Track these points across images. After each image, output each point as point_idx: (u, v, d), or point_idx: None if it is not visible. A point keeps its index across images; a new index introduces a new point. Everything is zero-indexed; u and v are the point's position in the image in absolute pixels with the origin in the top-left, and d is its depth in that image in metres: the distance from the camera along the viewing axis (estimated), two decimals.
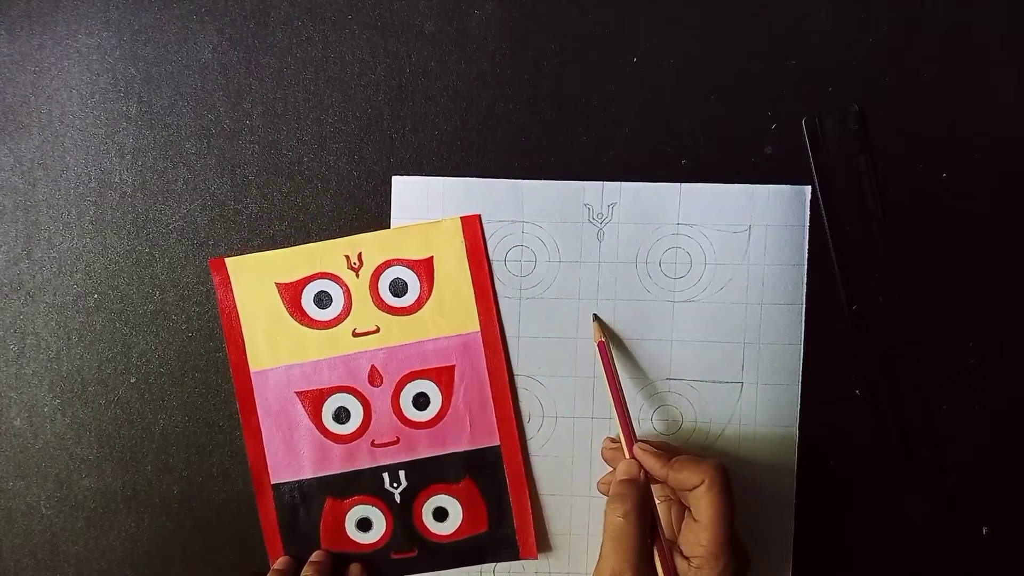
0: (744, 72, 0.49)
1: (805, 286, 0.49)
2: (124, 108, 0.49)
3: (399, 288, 0.49)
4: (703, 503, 0.41)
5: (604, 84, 0.49)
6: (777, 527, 0.49)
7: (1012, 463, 0.49)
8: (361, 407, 0.50)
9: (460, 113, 0.49)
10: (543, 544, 0.50)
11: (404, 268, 0.49)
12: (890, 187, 0.49)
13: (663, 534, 0.42)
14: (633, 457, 0.44)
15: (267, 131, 0.49)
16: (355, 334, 0.49)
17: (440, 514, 0.50)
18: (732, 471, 0.47)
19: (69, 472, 0.50)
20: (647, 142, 0.49)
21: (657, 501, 0.43)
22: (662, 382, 0.49)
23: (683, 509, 0.44)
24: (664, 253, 0.49)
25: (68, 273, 0.50)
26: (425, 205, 0.49)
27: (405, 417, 0.50)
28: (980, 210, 0.49)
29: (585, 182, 0.49)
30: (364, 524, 0.50)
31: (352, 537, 0.50)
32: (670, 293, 0.49)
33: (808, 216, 0.49)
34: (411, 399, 0.50)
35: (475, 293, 0.49)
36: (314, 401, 0.49)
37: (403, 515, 0.50)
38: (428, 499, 0.50)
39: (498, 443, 0.50)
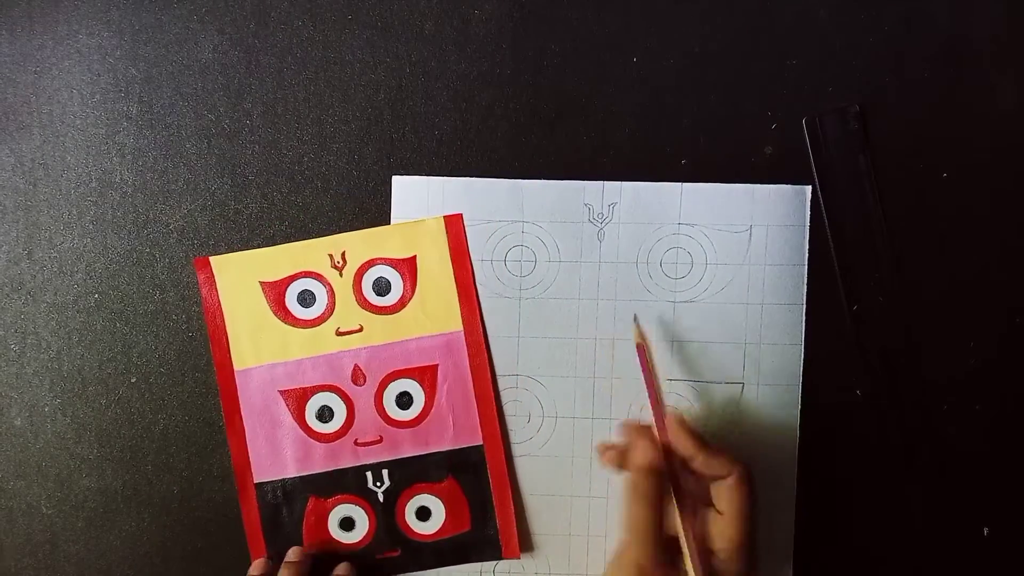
0: (744, 72, 0.49)
1: (806, 286, 0.49)
2: (125, 108, 0.49)
3: (382, 287, 0.49)
4: (734, 496, 0.41)
5: (604, 84, 0.49)
6: (778, 527, 0.49)
7: (1013, 463, 0.49)
8: (344, 406, 0.50)
9: (460, 113, 0.49)
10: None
11: (387, 267, 0.49)
12: (890, 187, 0.49)
13: (692, 526, 0.42)
14: (666, 441, 0.43)
15: (267, 131, 0.49)
16: (338, 333, 0.49)
17: (423, 513, 0.50)
18: None
19: (70, 472, 0.50)
20: (647, 142, 0.49)
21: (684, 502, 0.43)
22: (663, 382, 0.49)
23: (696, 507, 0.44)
24: (665, 253, 0.49)
25: (69, 273, 0.50)
26: (425, 205, 0.49)
27: (388, 416, 0.50)
28: (980, 210, 0.49)
29: (585, 182, 0.49)
30: (347, 523, 0.50)
31: (335, 536, 0.50)
32: (671, 293, 0.49)
33: (808, 216, 0.49)
34: (394, 398, 0.50)
35: (458, 292, 0.49)
36: (297, 400, 0.50)
37: (386, 514, 0.50)
38: (411, 498, 0.50)
39: (481, 442, 0.50)
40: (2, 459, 0.50)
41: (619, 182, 0.49)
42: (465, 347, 0.49)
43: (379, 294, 0.49)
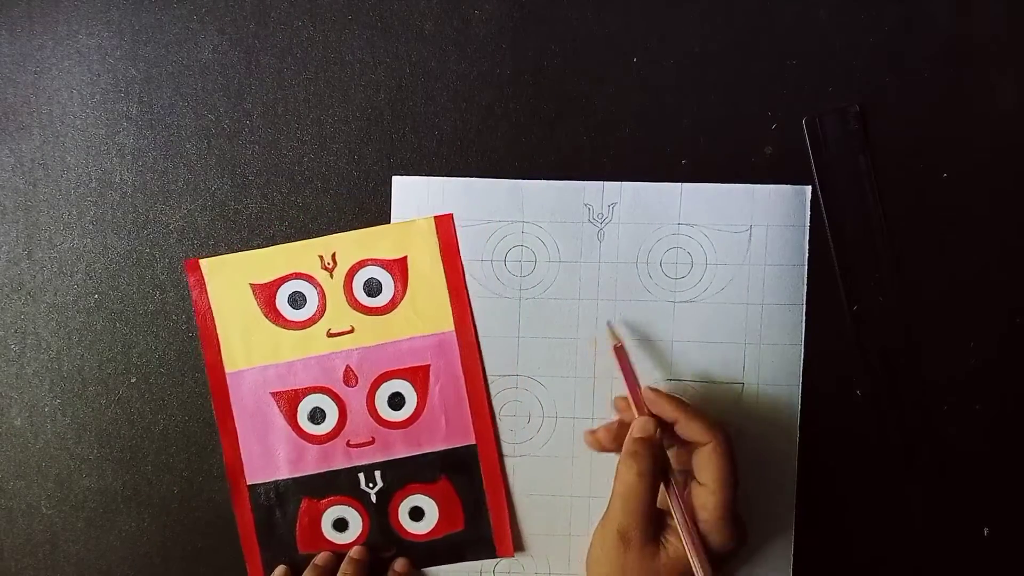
0: (744, 72, 0.49)
1: (806, 286, 0.49)
2: (125, 108, 0.49)
3: (373, 288, 0.49)
4: (711, 466, 0.41)
5: (604, 84, 0.49)
6: (778, 527, 0.49)
7: (1013, 463, 0.49)
8: (336, 407, 0.50)
9: (460, 113, 0.49)
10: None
11: (378, 268, 0.49)
12: (890, 187, 0.48)
13: (681, 498, 0.42)
14: (647, 414, 0.44)
15: (267, 131, 0.49)
16: (330, 334, 0.49)
17: (416, 513, 0.50)
18: None
19: (69, 472, 0.50)
20: (647, 142, 0.49)
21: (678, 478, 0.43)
22: (663, 383, 0.49)
23: (686, 481, 0.44)
24: (664, 253, 0.49)
25: (69, 273, 0.50)
26: (425, 205, 0.49)
27: (380, 417, 0.50)
28: (980, 210, 0.49)
29: (585, 182, 0.49)
30: (340, 524, 0.50)
31: (328, 537, 0.50)
32: (671, 293, 0.49)
33: (808, 216, 0.49)
34: (386, 399, 0.50)
35: (449, 292, 0.49)
36: (289, 401, 0.50)
37: (379, 515, 0.50)
38: (404, 499, 0.50)
39: (474, 442, 0.50)
40: (2, 459, 0.50)
41: (619, 182, 0.49)
42: (457, 347, 0.49)
43: (370, 295, 0.49)
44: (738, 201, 0.49)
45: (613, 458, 0.45)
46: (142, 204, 0.49)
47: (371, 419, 0.50)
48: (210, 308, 0.49)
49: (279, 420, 0.50)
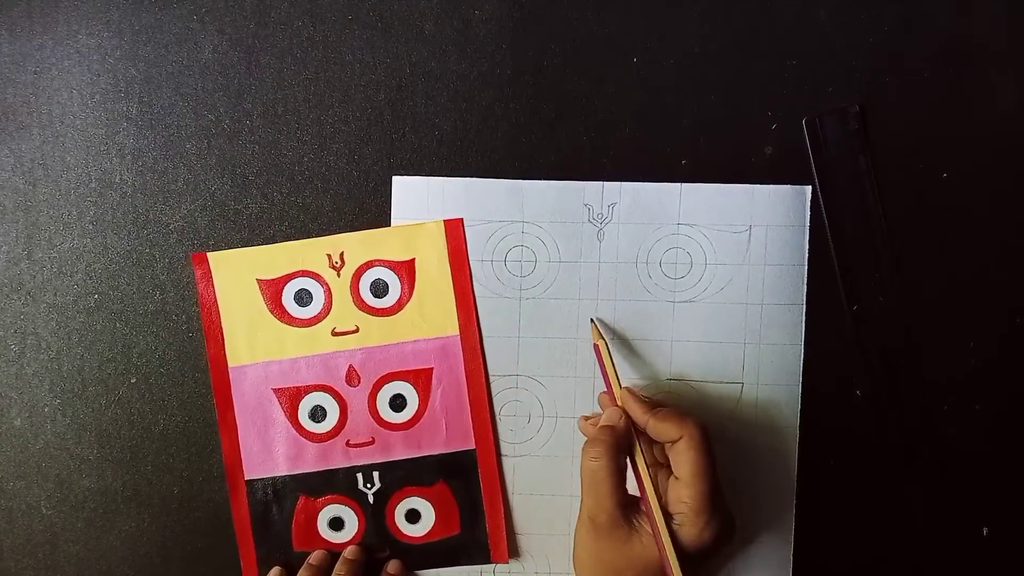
0: (744, 72, 0.49)
1: (805, 286, 0.49)
2: (124, 108, 0.49)
3: (380, 289, 0.49)
4: (683, 459, 0.41)
5: (604, 84, 0.49)
6: (778, 528, 0.49)
7: (1013, 463, 0.49)
8: (337, 406, 0.50)
9: (460, 113, 0.49)
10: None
11: (386, 269, 0.49)
12: (890, 187, 0.49)
13: (648, 483, 0.42)
14: (618, 405, 0.45)
15: (267, 131, 0.49)
16: (334, 333, 0.49)
17: (413, 516, 0.50)
18: (732, 472, 0.47)
19: (69, 472, 0.50)
20: (647, 142, 0.49)
21: (646, 465, 0.43)
22: (663, 382, 0.49)
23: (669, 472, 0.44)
24: (664, 253, 0.49)
25: (68, 273, 0.50)
26: (425, 205, 0.49)
27: (381, 418, 0.50)
28: (980, 210, 0.49)
29: (585, 182, 0.49)
30: (336, 523, 0.50)
31: (324, 536, 0.50)
32: (670, 293, 0.49)
33: (808, 216, 0.49)
34: (388, 400, 0.50)
35: (456, 296, 0.49)
36: (291, 398, 0.50)
37: (376, 516, 0.50)
38: (401, 500, 0.50)
39: (473, 447, 0.50)
40: (2, 459, 0.50)
41: (619, 182, 0.49)
42: (461, 351, 0.49)
43: (376, 295, 0.49)
44: (738, 201, 0.49)
45: None
46: (142, 204, 0.49)
47: (372, 420, 0.50)
48: (216, 302, 0.49)
49: (280, 417, 0.50)
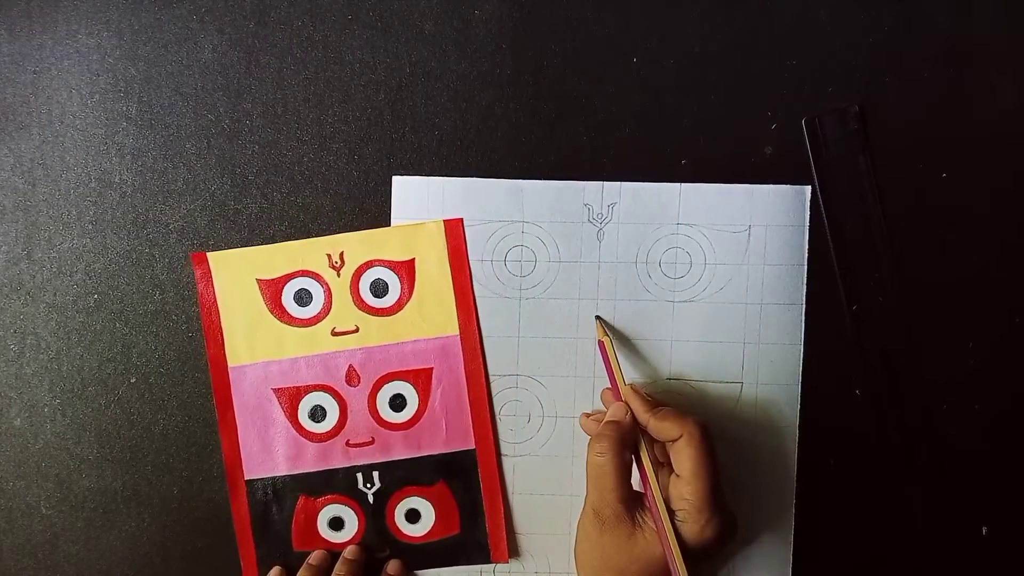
0: (744, 72, 0.48)
1: (805, 286, 0.49)
2: (124, 108, 0.49)
3: (380, 288, 0.49)
4: (683, 457, 0.41)
5: (604, 84, 0.48)
6: (778, 527, 0.49)
7: (1012, 463, 0.49)
8: (337, 406, 0.50)
9: (460, 113, 0.49)
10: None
11: (385, 269, 0.49)
12: (890, 187, 0.48)
13: (652, 479, 0.42)
14: (622, 400, 0.45)
15: (267, 131, 0.49)
16: (334, 333, 0.49)
17: (413, 516, 0.50)
18: (731, 471, 0.47)
19: (69, 472, 0.50)
20: (647, 142, 0.49)
21: (650, 462, 0.43)
22: (663, 382, 0.49)
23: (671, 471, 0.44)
24: (664, 253, 0.49)
25: (68, 273, 0.50)
26: (425, 205, 0.49)
27: (381, 418, 0.50)
28: (980, 210, 0.49)
29: (585, 182, 0.49)
30: (336, 523, 0.50)
31: (324, 536, 0.50)
32: (670, 293, 0.49)
33: (808, 216, 0.49)
34: (388, 400, 0.50)
35: (455, 296, 0.49)
36: (291, 398, 0.50)
37: (375, 516, 0.50)
38: (401, 500, 0.50)
39: (473, 447, 0.50)
40: (2, 459, 0.50)
41: (619, 182, 0.49)
42: (461, 351, 0.49)
43: (376, 295, 0.49)
44: (737, 201, 0.49)
45: None
46: (141, 204, 0.49)
47: (371, 420, 0.50)
48: (215, 302, 0.49)
49: (279, 416, 0.50)
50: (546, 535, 0.50)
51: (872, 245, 0.49)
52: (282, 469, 0.50)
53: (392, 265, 0.49)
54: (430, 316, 0.49)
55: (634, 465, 0.44)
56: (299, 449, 0.50)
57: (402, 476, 0.50)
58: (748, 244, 0.49)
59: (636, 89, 0.49)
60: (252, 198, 0.49)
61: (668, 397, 0.49)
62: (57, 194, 0.49)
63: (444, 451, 0.50)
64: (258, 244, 0.49)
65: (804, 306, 0.49)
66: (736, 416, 0.49)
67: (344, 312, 0.49)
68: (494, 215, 0.49)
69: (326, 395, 0.50)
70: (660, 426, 0.43)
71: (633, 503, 0.43)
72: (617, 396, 0.46)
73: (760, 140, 0.49)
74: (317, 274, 0.49)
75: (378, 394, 0.50)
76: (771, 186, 0.49)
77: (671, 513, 0.42)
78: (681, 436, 0.42)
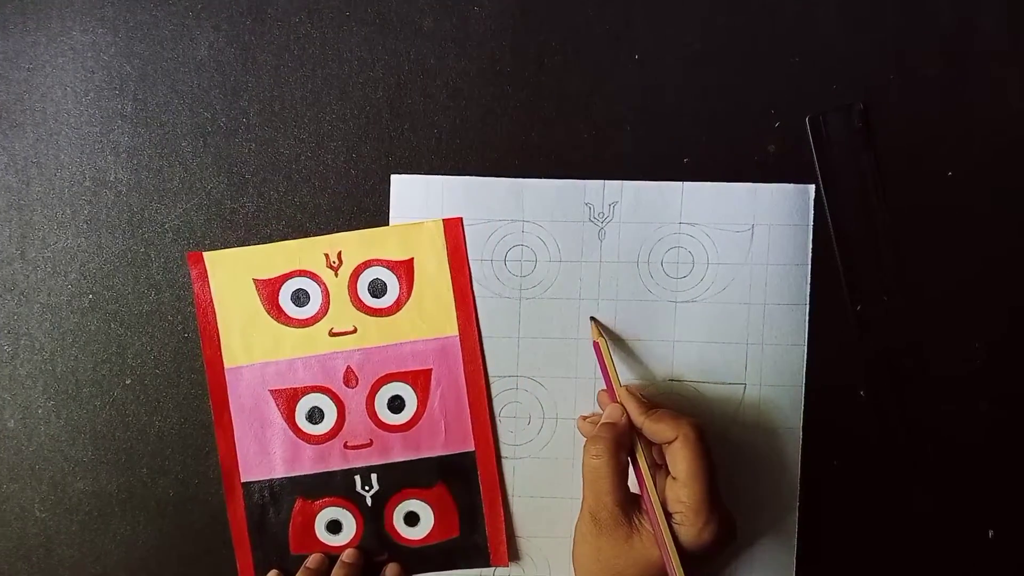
0: (747, 69, 0.48)
1: (809, 286, 0.48)
2: (119, 106, 0.49)
3: (378, 289, 0.49)
4: (679, 459, 0.41)
5: (605, 81, 0.48)
6: (781, 530, 0.49)
7: (1019, 465, 0.49)
8: (335, 408, 0.49)
9: (460, 111, 0.48)
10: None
11: (384, 269, 0.49)
12: (895, 186, 0.48)
13: (649, 481, 0.42)
14: (618, 402, 0.45)
15: (264, 129, 0.49)
16: (332, 334, 0.49)
17: (411, 519, 0.50)
18: (734, 473, 0.47)
19: (63, 474, 0.50)
20: (649, 140, 0.48)
21: (646, 464, 0.43)
22: (664, 383, 0.49)
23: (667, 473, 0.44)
24: (666, 253, 0.49)
25: (62, 273, 0.49)
26: (424, 204, 0.49)
27: (379, 420, 0.49)
28: (986, 209, 0.48)
29: (586, 181, 0.48)
30: (334, 526, 0.50)
31: (321, 539, 0.50)
32: (672, 293, 0.49)
33: (812, 215, 0.48)
34: (386, 401, 0.49)
35: (455, 296, 0.49)
36: (288, 400, 0.49)
37: (374, 519, 0.50)
38: (400, 503, 0.50)
39: (473, 449, 0.49)
40: None
41: (620, 181, 0.48)
42: (460, 352, 0.49)
43: (374, 296, 0.49)
44: (740, 200, 0.48)
45: None
46: (137, 203, 0.49)
47: (370, 421, 0.49)
48: (212, 302, 0.49)
49: (276, 418, 0.49)
50: (546, 538, 0.50)
51: (877, 244, 0.48)
52: (279, 471, 0.49)
53: (391, 265, 0.49)
54: (429, 316, 0.49)
55: (631, 468, 0.44)
56: (296, 451, 0.49)
57: (401, 478, 0.49)
58: (751, 243, 0.48)
59: (638, 86, 0.48)
60: (249, 197, 0.49)
61: (670, 399, 0.49)
62: (51, 193, 0.49)
63: (443, 453, 0.49)
64: (255, 243, 0.49)
65: (808, 306, 0.49)
66: (739, 418, 0.49)
67: (342, 312, 0.49)
68: (494, 214, 0.49)
69: (324, 396, 0.49)
70: (655, 428, 0.43)
71: (630, 506, 0.43)
72: (613, 398, 0.45)
73: (763, 138, 0.48)
74: (315, 274, 0.49)
75: (376, 395, 0.49)
76: (774, 185, 0.48)
77: (668, 516, 0.41)
78: (676, 438, 0.42)
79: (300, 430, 0.49)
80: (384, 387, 0.49)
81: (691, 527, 0.41)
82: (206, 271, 0.49)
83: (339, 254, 0.49)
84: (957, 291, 0.49)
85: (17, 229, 0.49)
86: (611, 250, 0.49)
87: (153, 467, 0.50)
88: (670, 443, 0.42)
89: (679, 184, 0.48)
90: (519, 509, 0.50)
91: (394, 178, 0.49)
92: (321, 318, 0.49)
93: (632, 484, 0.44)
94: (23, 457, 0.50)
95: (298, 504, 0.49)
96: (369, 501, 0.50)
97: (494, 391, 0.49)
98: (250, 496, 0.49)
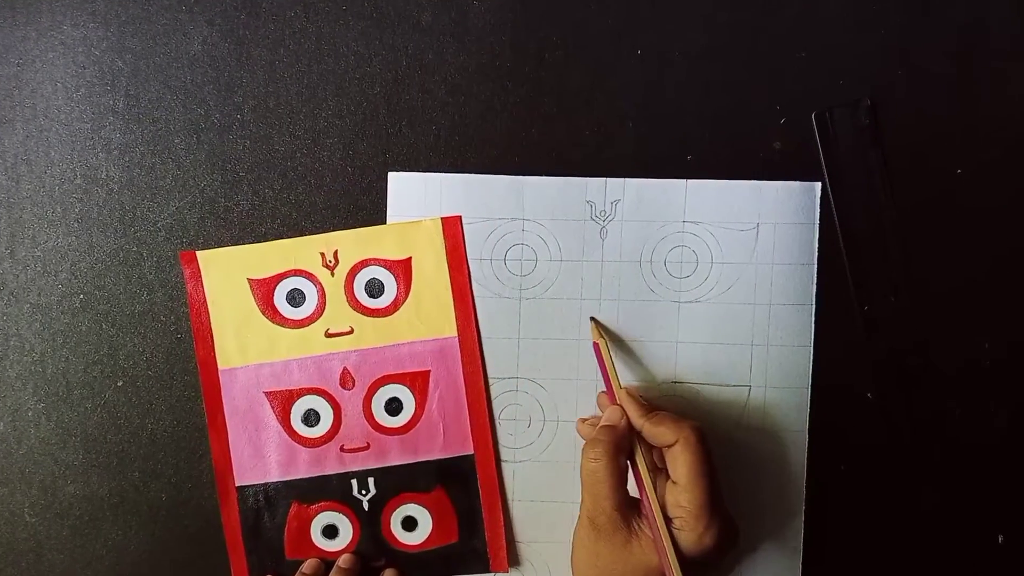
0: (752, 65, 0.48)
1: (815, 286, 0.48)
2: (111, 102, 0.48)
3: (375, 288, 0.48)
4: (680, 463, 0.41)
5: (607, 77, 0.48)
6: (786, 535, 0.49)
7: None
8: (331, 410, 0.49)
9: (458, 107, 0.48)
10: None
11: (381, 268, 0.48)
12: (903, 183, 0.48)
13: (649, 485, 0.42)
14: (617, 404, 0.44)
15: (259, 126, 0.48)
16: (328, 334, 0.49)
17: (409, 523, 0.49)
18: (738, 478, 0.47)
19: (54, 478, 0.49)
20: (652, 137, 0.48)
21: (646, 468, 0.43)
22: (667, 385, 0.48)
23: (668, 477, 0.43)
24: (669, 252, 0.48)
25: (53, 273, 0.49)
26: (422, 202, 0.48)
27: (376, 422, 0.49)
28: (996, 207, 0.48)
29: (587, 178, 0.48)
30: (330, 531, 0.49)
31: (317, 544, 0.49)
32: (675, 293, 0.48)
33: (818, 213, 0.48)
34: (383, 404, 0.49)
35: (454, 296, 0.48)
36: (283, 402, 0.49)
37: (371, 523, 0.49)
38: (397, 508, 0.49)
39: (472, 452, 0.49)
40: None
41: (622, 178, 0.48)
42: (459, 353, 0.48)
43: (372, 296, 0.48)
44: (745, 198, 0.48)
45: None
46: (129, 201, 0.49)
47: (367, 424, 0.49)
48: (205, 302, 0.48)
49: (271, 421, 0.49)
50: (547, 543, 0.49)
51: (884, 243, 0.48)
52: (274, 475, 0.49)
53: (388, 264, 0.48)
54: (427, 317, 0.48)
55: (631, 471, 0.43)
56: (292, 454, 0.49)
57: (398, 482, 0.49)
58: (756, 243, 0.48)
59: (640, 82, 0.48)
60: (243, 195, 0.48)
61: (672, 401, 0.48)
62: (41, 191, 0.49)
63: (442, 456, 0.49)
64: (249, 242, 0.48)
65: (814, 306, 0.48)
66: (743, 420, 0.48)
67: (338, 313, 0.48)
68: (493, 212, 0.48)
69: (320, 398, 0.49)
70: (655, 431, 0.42)
71: (629, 510, 0.42)
72: (613, 400, 0.45)
73: (768, 135, 0.48)
74: (310, 273, 0.48)
75: (373, 397, 0.49)
76: (780, 182, 0.48)
77: (668, 521, 0.41)
78: (677, 441, 0.41)
79: (295, 433, 0.49)
80: (381, 389, 0.49)
81: (691, 532, 0.40)
82: (199, 270, 0.48)
83: (335, 253, 0.48)
84: (966, 290, 0.48)
85: (6, 228, 0.49)
86: (613, 249, 0.48)
87: (145, 471, 0.49)
88: (670, 447, 0.42)
89: (682, 182, 0.48)
90: (519, 514, 0.49)
91: (391, 176, 0.48)
92: (317, 319, 0.48)
93: (631, 488, 0.43)
94: (13, 461, 0.49)
95: (293, 508, 0.49)
96: (366, 505, 0.49)
97: (493, 393, 0.49)
98: (244, 500, 0.49)
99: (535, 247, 0.48)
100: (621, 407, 0.44)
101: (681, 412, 0.46)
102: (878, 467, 0.49)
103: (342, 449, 0.49)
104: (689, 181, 0.48)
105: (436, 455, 0.49)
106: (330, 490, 0.49)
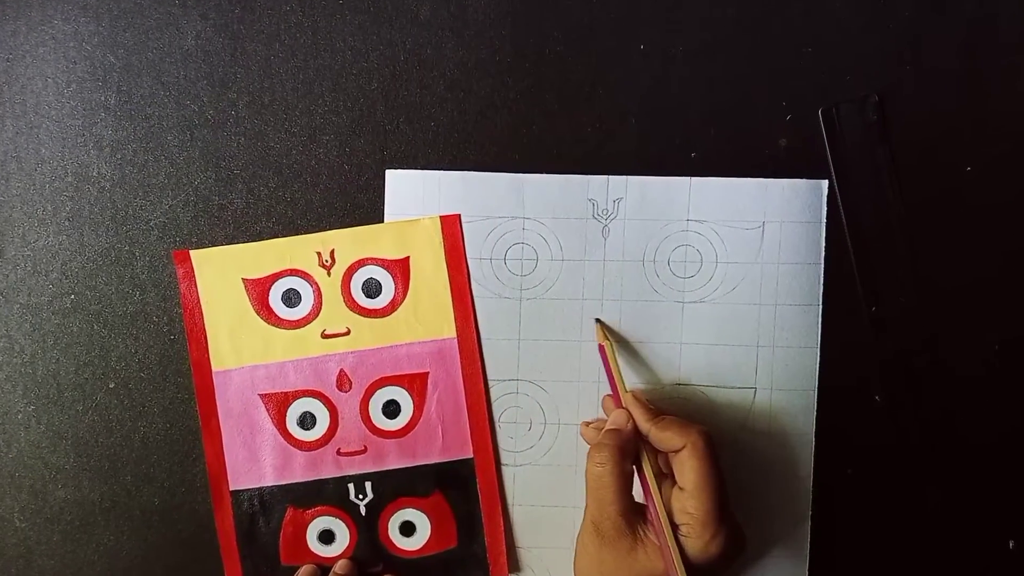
0: (757, 60, 0.47)
1: (822, 286, 0.48)
2: (102, 98, 0.48)
3: (372, 289, 0.48)
4: (687, 468, 0.41)
5: (609, 72, 0.47)
6: (792, 541, 0.48)
7: None
8: (328, 413, 0.48)
9: (457, 103, 0.48)
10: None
11: (378, 268, 0.48)
12: (911, 181, 0.47)
13: (655, 491, 0.42)
14: (623, 407, 0.44)
15: (253, 122, 0.48)
16: (324, 335, 0.48)
17: (407, 528, 0.49)
18: (743, 481, 0.47)
19: (44, 482, 0.49)
20: (655, 134, 0.48)
21: (652, 473, 0.42)
22: (671, 387, 0.48)
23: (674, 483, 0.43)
24: (673, 251, 0.48)
25: (43, 272, 0.48)
26: (420, 201, 0.48)
27: (374, 425, 0.48)
28: (1005, 204, 0.47)
29: (589, 176, 0.48)
30: (326, 536, 0.49)
31: (313, 550, 0.49)
32: (679, 293, 0.48)
33: (825, 212, 0.48)
34: (381, 406, 0.48)
35: (452, 297, 0.48)
36: (278, 405, 0.48)
37: (368, 528, 0.49)
38: (395, 512, 0.49)
39: (471, 456, 0.49)
40: None
41: (625, 176, 0.48)
42: (458, 355, 0.48)
43: (369, 296, 0.48)
44: (751, 196, 0.48)
45: None
46: (121, 199, 0.48)
47: (364, 427, 0.48)
48: (199, 302, 0.48)
49: (267, 424, 0.48)
50: (548, 549, 0.49)
51: (892, 242, 0.47)
52: (269, 479, 0.48)
53: (385, 264, 0.48)
54: (425, 318, 0.48)
55: (636, 477, 0.43)
56: (287, 458, 0.48)
57: (396, 487, 0.49)
58: (762, 242, 0.48)
59: (643, 78, 0.47)
60: (238, 193, 0.48)
61: (676, 403, 0.48)
62: (32, 189, 0.48)
63: (440, 460, 0.48)
64: (244, 241, 0.48)
65: (821, 307, 0.48)
66: (749, 423, 0.48)
67: (335, 313, 0.48)
68: (493, 211, 0.48)
69: (316, 401, 0.48)
70: (662, 436, 0.42)
71: (634, 516, 0.42)
72: (618, 403, 0.45)
73: (774, 132, 0.47)
74: (306, 273, 0.48)
75: (371, 400, 0.48)
76: (786, 180, 0.47)
77: (674, 527, 0.41)
78: (684, 447, 0.41)
79: (291, 436, 0.48)
80: (379, 391, 0.48)
81: (698, 539, 0.40)
82: (193, 270, 0.48)
83: (332, 252, 0.48)
84: (975, 289, 0.48)
85: None
86: (615, 248, 0.48)
87: (138, 474, 0.49)
88: (677, 452, 0.41)
89: (686, 180, 0.48)
90: (519, 518, 0.49)
91: (389, 173, 0.48)
92: (313, 319, 0.48)
93: (637, 494, 0.43)
94: (2, 464, 0.49)
95: (289, 513, 0.49)
96: (363, 510, 0.49)
97: (493, 395, 0.49)
98: (239, 505, 0.48)
99: (536, 246, 0.48)
100: (627, 411, 0.44)
101: (685, 415, 0.46)
102: (886, 470, 0.48)
103: (339, 453, 0.48)
104: (693, 179, 0.48)
105: (435, 459, 0.48)
106: (326, 494, 0.49)
